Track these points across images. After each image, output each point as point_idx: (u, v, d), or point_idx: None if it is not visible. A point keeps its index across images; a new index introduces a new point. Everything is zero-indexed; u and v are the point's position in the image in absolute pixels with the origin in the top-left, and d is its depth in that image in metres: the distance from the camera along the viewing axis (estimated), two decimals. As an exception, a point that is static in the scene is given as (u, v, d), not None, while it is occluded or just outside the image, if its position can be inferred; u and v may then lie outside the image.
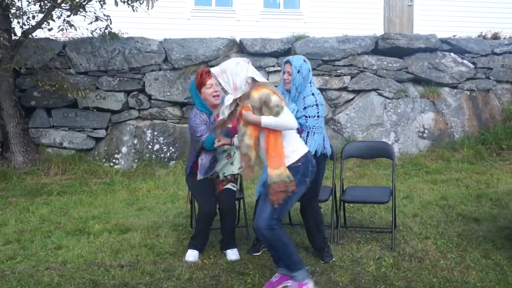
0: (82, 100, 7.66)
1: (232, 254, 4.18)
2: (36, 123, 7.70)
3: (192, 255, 4.15)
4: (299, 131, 3.83)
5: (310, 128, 3.89)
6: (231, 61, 3.42)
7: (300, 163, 3.41)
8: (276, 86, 3.83)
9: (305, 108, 3.88)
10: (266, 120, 3.29)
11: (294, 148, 3.44)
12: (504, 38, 9.70)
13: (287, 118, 3.33)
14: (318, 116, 3.90)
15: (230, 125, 3.69)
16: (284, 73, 3.92)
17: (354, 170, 7.40)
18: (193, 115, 4.10)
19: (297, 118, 3.78)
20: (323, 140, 4.00)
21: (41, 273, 3.91)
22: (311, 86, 3.95)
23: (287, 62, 3.89)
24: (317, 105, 3.89)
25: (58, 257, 4.22)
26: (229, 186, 4.24)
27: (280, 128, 3.33)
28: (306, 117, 3.88)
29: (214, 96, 4.04)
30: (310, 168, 3.46)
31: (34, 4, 7.05)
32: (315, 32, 9.48)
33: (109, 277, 3.83)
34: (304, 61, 3.90)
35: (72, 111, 7.77)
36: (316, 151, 3.89)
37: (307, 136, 3.88)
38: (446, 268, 3.86)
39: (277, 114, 3.26)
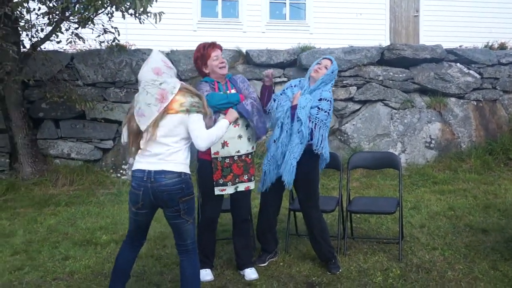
0: (90, 111, 7.72)
1: (252, 273, 3.96)
2: (44, 134, 7.75)
3: (208, 274, 3.92)
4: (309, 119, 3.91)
5: (318, 120, 3.93)
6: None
7: None
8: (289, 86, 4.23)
9: (320, 99, 3.98)
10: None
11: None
12: (511, 49, 9.69)
13: None
14: (328, 113, 3.96)
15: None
16: (318, 63, 4.08)
17: (360, 180, 7.39)
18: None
19: (310, 108, 3.92)
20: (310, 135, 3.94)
21: (49, 284, 3.93)
22: (331, 86, 4.11)
23: (328, 58, 4.12)
24: (331, 102, 4.00)
25: (65, 268, 4.24)
26: (246, 185, 3.94)
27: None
28: (319, 108, 3.94)
29: (221, 68, 4.00)
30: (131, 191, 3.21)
31: (43, 17, 7.13)
32: (320, 43, 9.53)
33: None
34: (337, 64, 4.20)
35: (79, 122, 7.83)
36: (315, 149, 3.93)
37: (314, 128, 3.92)
38: (453, 279, 3.85)
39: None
